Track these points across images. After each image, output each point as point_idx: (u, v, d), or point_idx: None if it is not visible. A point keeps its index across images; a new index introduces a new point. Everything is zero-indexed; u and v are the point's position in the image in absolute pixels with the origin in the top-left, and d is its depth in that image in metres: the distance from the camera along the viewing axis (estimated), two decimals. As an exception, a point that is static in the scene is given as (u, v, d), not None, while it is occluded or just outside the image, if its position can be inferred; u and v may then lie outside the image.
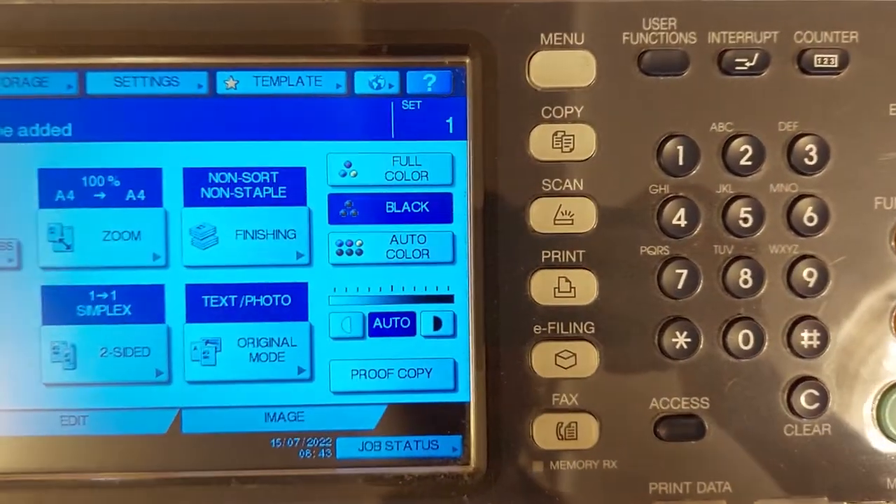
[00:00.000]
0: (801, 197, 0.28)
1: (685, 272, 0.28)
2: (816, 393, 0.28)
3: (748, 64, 0.28)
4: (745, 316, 0.28)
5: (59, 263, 0.28)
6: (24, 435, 0.28)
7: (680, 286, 0.28)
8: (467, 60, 0.28)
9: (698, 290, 0.28)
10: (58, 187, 0.28)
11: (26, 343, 0.28)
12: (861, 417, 0.28)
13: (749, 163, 0.28)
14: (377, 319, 0.29)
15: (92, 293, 0.28)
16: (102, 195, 0.28)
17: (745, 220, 0.28)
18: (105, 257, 0.28)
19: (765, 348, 0.28)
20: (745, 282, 0.28)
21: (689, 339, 0.28)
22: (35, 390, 0.28)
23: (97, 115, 0.28)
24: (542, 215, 0.28)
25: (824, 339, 0.28)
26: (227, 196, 0.28)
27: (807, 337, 0.28)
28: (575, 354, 0.28)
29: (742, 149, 0.28)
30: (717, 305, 0.28)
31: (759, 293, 0.28)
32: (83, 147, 0.28)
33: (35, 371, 0.28)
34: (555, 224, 0.28)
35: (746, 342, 0.28)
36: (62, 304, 0.28)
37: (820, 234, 0.28)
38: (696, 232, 0.28)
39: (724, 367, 0.28)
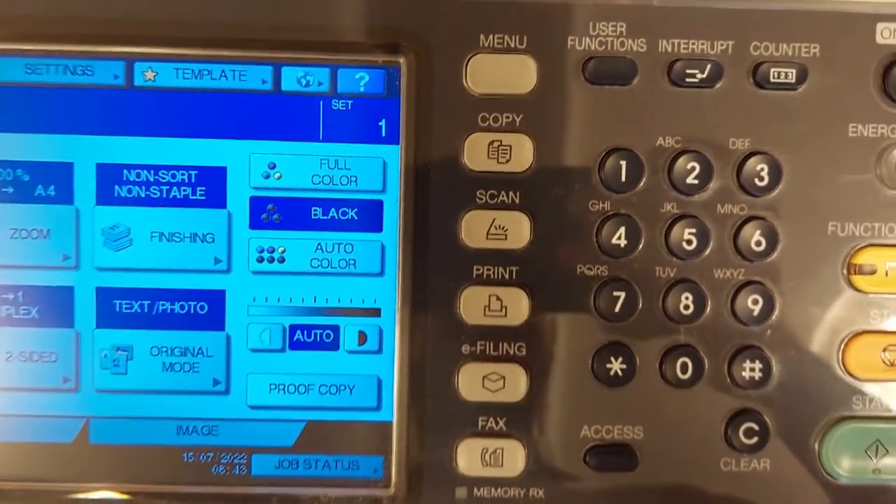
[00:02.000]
0: (749, 219, 0.26)
1: (623, 294, 0.26)
2: (756, 427, 0.27)
3: (699, 76, 0.26)
4: (685, 343, 0.27)
5: (-38, 261, 0.27)
6: (-85, 442, 0.27)
7: (617, 309, 0.26)
8: (402, 60, 0.26)
9: (636, 314, 0.26)
10: (-39, 180, 0.26)
11: (-79, 345, 0.27)
12: (802, 454, 0.27)
13: (696, 181, 0.26)
14: (298, 332, 0.27)
15: (-4, 294, 0.27)
16: (10, 189, 0.27)
17: (689, 241, 0.26)
18: (12, 256, 0.27)
19: (704, 378, 0.27)
20: (687, 307, 0.26)
21: (624, 366, 0.26)
22: (-70, 395, 0.27)
23: (6, 104, 0.26)
24: (475, 229, 0.26)
25: (767, 371, 0.26)
26: (143, 195, 0.27)
27: (748, 367, 0.26)
28: (504, 377, 0.26)
29: (689, 166, 0.26)
30: (656, 331, 0.27)
31: (700, 319, 0.26)
32: (-11, 138, 0.26)
33: (-69, 375, 0.27)
34: (487, 238, 0.26)
35: (685, 371, 0.26)
36: (-38, 305, 0.27)
37: (768, 260, 0.26)
38: (636, 252, 0.26)
39: (661, 396, 0.27)
